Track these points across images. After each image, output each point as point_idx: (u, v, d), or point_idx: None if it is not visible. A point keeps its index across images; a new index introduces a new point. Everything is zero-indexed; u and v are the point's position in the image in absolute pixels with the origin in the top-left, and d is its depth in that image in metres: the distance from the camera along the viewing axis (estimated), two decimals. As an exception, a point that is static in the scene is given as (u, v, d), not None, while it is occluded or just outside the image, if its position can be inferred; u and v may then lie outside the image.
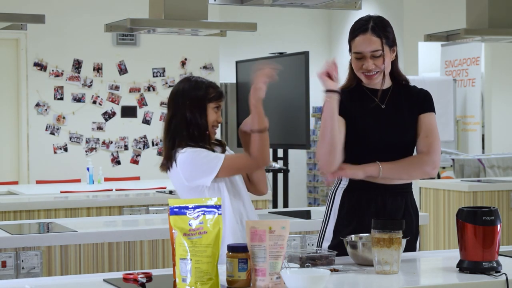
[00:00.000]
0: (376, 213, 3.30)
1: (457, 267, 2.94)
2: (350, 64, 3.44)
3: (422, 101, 3.43)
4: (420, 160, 3.36)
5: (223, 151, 3.58)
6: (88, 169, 7.80)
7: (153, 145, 9.65)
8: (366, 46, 3.32)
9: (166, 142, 3.50)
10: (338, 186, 3.40)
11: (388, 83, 3.42)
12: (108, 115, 9.47)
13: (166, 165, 3.50)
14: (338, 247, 3.20)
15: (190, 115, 3.46)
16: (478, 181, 7.30)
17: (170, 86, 9.64)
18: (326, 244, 3.36)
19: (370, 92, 3.40)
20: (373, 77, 3.35)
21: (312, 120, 11.05)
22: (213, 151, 3.49)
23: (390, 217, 3.28)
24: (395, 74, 3.44)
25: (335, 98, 3.21)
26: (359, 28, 3.35)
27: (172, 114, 3.51)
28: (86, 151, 9.36)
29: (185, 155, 3.43)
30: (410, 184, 3.43)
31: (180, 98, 3.50)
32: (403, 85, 3.46)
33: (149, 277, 2.81)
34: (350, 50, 3.40)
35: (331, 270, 2.84)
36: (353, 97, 3.40)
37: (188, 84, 3.53)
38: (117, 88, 9.48)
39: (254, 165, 3.49)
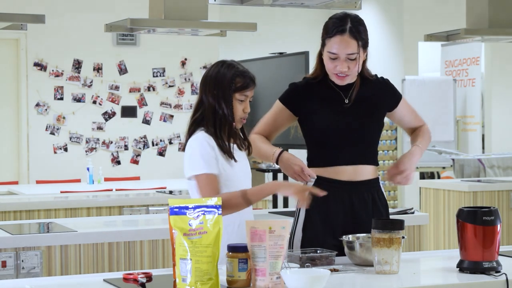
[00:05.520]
0: (344, 210, 3.32)
1: (457, 267, 2.94)
2: (319, 56, 3.44)
3: (388, 92, 3.49)
4: (428, 129, 3.60)
5: (247, 150, 3.41)
6: (88, 169, 7.80)
7: (153, 145, 9.65)
8: (343, 48, 3.31)
9: (189, 126, 3.35)
10: (306, 184, 3.41)
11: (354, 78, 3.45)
12: (108, 115, 9.47)
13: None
14: (306, 245, 3.26)
15: (217, 105, 3.29)
16: (478, 181, 7.30)
17: (170, 86, 9.65)
18: (297, 243, 3.39)
19: (336, 87, 3.42)
20: (345, 78, 3.37)
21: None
22: (230, 152, 3.30)
23: (357, 214, 3.33)
24: (363, 70, 3.44)
25: None
26: (337, 27, 3.33)
27: (200, 100, 3.35)
28: (86, 151, 9.36)
29: (191, 141, 3.29)
30: (377, 178, 3.45)
31: (208, 85, 3.33)
32: (368, 79, 3.47)
33: (149, 277, 2.81)
34: (322, 45, 3.40)
35: (331, 270, 2.84)
36: (317, 90, 3.43)
37: (217, 70, 3.34)
38: (117, 88, 9.48)
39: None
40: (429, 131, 3.59)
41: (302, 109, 3.44)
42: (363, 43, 3.34)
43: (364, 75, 3.46)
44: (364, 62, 3.42)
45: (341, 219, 3.34)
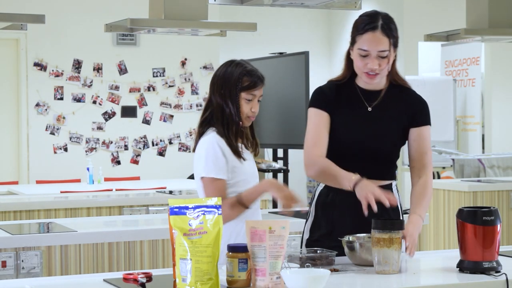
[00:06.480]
0: (351, 213, 3.27)
1: (457, 267, 2.94)
2: (347, 56, 3.34)
3: (420, 111, 3.36)
4: (431, 186, 3.34)
5: (254, 153, 3.42)
6: (88, 169, 7.80)
7: (153, 145, 9.65)
8: (375, 45, 3.21)
9: (199, 126, 3.36)
10: (318, 185, 3.40)
11: (382, 84, 3.36)
12: (108, 115, 9.47)
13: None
14: (311, 245, 3.26)
15: (224, 104, 3.30)
16: (478, 181, 7.29)
17: (170, 86, 9.65)
18: (304, 241, 3.41)
19: (361, 92, 3.34)
20: (375, 77, 3.27)
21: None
22: (239, 151, 3.31)
23: (365, 218, 3.26)
24: (393, 74, 3.36)
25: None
26: (368, 24, 3.23)
27: (209, 100, 3.36)
28: (86, 151, 9.36)
29: (202, 142, 3.30)
30: (390, 184, 3.36)
31: (216, 84, 3.34)
32: (400, 87, 3.38)
33: (149, 277, 2.81)
34: (352, 43, 3.28)
35: (331, 270, 2.84)
36: (341, 94, 3.34)
37: (225, 69, 3.34)
38: (117, 88, 9.48)
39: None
40: (431, 186, 3.34)
41: (331, 110, 3.33)
42: (394, 41, 3.26)
43: (395, 83, 3.37)
44: (394, 62, 3.33)
45: (348, 223, 3.29)
